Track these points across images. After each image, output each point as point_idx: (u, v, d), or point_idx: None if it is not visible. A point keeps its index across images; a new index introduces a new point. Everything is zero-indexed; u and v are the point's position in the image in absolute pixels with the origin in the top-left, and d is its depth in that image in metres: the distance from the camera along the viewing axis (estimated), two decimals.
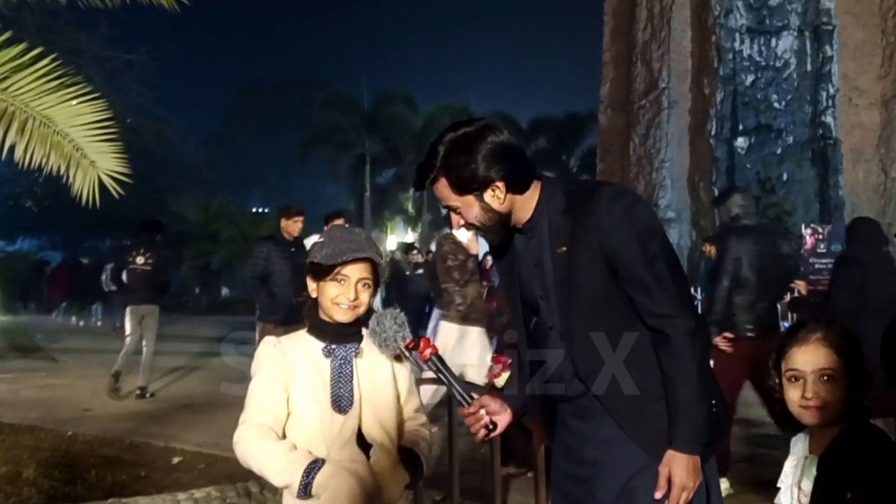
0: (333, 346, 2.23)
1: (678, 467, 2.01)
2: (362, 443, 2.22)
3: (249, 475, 5.41)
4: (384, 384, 2.27)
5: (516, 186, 2.11)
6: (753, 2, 17.52)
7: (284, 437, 2.20)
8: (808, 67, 17.46)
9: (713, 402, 2.08)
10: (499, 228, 2.17)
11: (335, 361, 2.22)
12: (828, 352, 1.95)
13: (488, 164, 2.07)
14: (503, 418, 2.25)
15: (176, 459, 6.09)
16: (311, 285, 2.26)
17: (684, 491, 2.01)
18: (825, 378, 1.94)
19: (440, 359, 2.17)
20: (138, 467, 5.81)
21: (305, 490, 2.09)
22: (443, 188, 2.12)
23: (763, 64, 17.59)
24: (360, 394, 2.22)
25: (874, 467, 1.79)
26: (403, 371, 2.35)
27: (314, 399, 2.19)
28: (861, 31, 17.24)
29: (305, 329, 2.30)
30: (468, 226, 2.17)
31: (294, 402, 2.20)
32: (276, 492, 5.16)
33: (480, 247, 6.30)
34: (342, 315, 2.23)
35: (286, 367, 2.21)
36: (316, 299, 2.27)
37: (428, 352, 2.15)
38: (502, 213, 2.13)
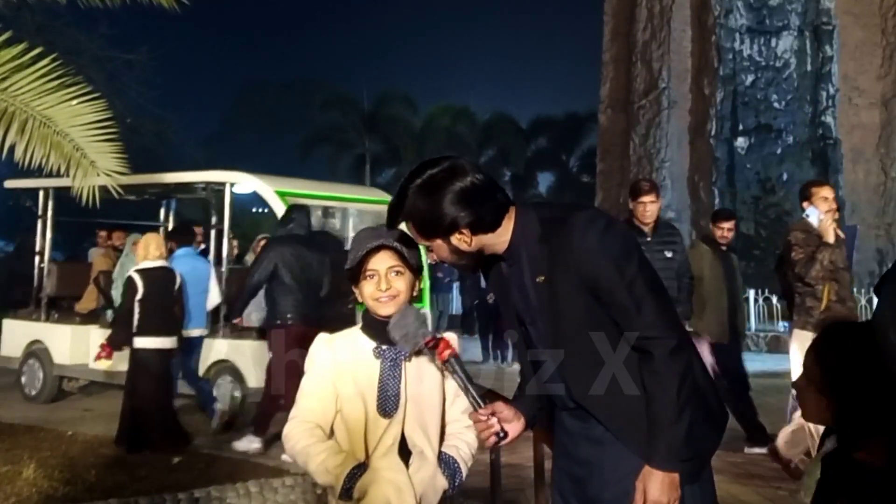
0: (384, 348, 2.27)
1: (653, 484, 2.03)
2: (403, 448, 2.25)
3: (249, 475, 5.44)
4: (431, 388, 2.30)
5: (483, 229, 2.12)
6: (753, 2, 17.52)
7: (332, 433, 2.28)
8: (808, 67, 17.46)
9: (695, 418, 2.07)
10: (472, 262, 2.22)
11: (385, 363, 2.27)
12: (808, 354, 1.96)
13: (452, 211, 2.07)
14: (515, 426, 2.25)
15: (176, 459, 6.09)
16: (356, 291, 2.34)
17: None
18: (804, 379, 1.95)
19: (459, 361, 2.19)
20: (138, 467, 5.82)
21: (348, 493, 2.17)
22: (411, 229, 2.17)
23: (763, 64, 17.59)
24: (405, 398, 2.25)
25: (865, 481, 1.76)
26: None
27: (361, 401, 2.24)
28: (861, 31, 17.25)
29: (360, 328, 2.36)
30: (443, 260, 2.22)
31: (342, 402, 2.26)
32: (276, 492, 5.17)
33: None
34: (384, 308, 2.27)
35: (336, 367, 2.27)
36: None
37: (447, 353, 2.16)
38: (472, 253, 2.16)
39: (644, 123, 18.35)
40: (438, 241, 2.13)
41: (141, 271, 6.54)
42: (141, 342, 6.46)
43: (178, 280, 6.81)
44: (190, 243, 7.73)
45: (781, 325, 14.73)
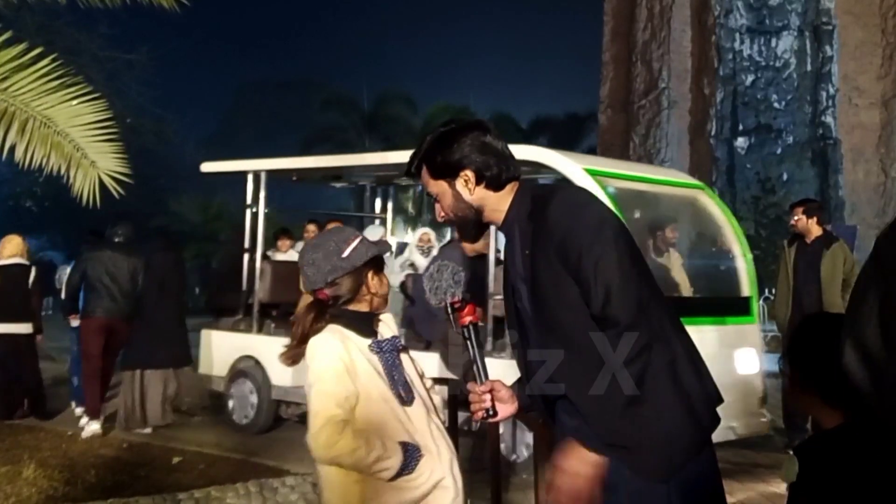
0: (379, 340, 2.32)
1: (569, 453, 2.06)
2: None
3: (250, 475, 5.44)
4: (416, 371, 2.38)
5: (487, 181, 2.19)
6: (753, 2, 17.52)
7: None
8: (808, 67, 17.46)
9: (662, 414, 2.05)
10: (471, 223, 2.25)
11: (383, 355, 2.30)
12: (787, 354, 1.93)
13: (462, 154, 2.18)
14: (507, 408, 2.28)
15: (176, 459, 6.09)
16: (377, 281, 2.36)
17: (562, 475, 2.05)
18: (788, 380, 1.93)
19: (476, 330, 2.23)
20: (138, 467, 5.82)
21: (407, 469, 2.19)
22: (424, 174, 2.25)
23: (763, 64, 17.59)
24: (413, 385, 2.31)
25: (829, 477, 1.72)
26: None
27: (376, 396, 2.25)
28: (861, 31, 17.25)
29: (342, 326, 2.31)
30: (445, 219, 2.25)
31: (360, 396, 2.24)
32: (276, 492, 5.18)
33: None
34: (386, 297, 2.38)
35: (350, 362, 2.25)
36: (347, 300, 2.33)
37: (468, 319, 2.19)
38: (473, 206, 2.21)
39: (644, 123, 18.35)
40: (445, 186, 2.21)
41: None
42: None
43: (33, 274, 7.81)
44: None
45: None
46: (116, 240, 7.51)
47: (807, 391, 1.86)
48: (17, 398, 7.62)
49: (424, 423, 2.28)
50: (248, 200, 7.95)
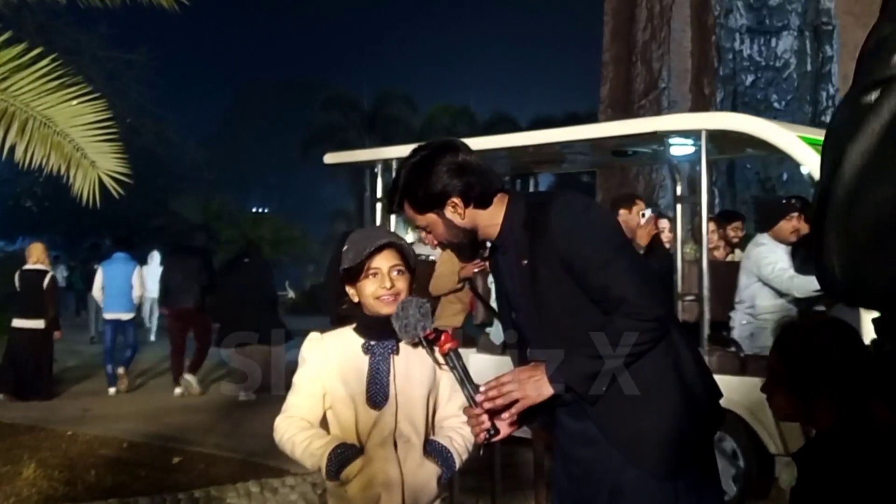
0: (373, 343, 2.30)
1: (525, 372, 2.10)
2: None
3: (250, 475, 5.45)
4: (419, 382, 2.32)
5: (475, 201, 2.18)
6: (753, 2, 17.54)
7: (328, 431, 2.33)
8: (808, 67, 17.47)
9: (647, 407, 2.07)
10: (468, 245, 2.26)
11: (374, 358, 2.30)
12: (772, 354, 1.91)
13: (443, 182, 2.16)
14: (507, 424, 2.25)
15: (176, 459, 6.09)
16: (351, 291, 2.33)
17: (505, 386, 2.08)
18: (771, 380, 1.91)
19: (458, 356, 2.20)
20: (138, 467, 5.82)
21: (336, 474, 2.21)
22: (408, 210, 2.23)
23: (763, 64, 17.61)
24: (395, 390, 2.28)
25: (825, 479, 1.73)
26: (447, 371, 2.39)
27: (349, 395, 2.28)
28: (861, 31, 17.21)
29: (352, 327, 2.37)
30: (440, 245, 2.25)
31: (332, 398, 2.30)
32: (276, 492, 5.19)
33: None
34: (386, 307, 2.25)
35: (325, 364, 2.30)
36: (358, 303, 2.34)
37: (447, 347, 2.16)
38: (466, 229, 2.21)
39: None
40: (434, 217, 2.20)
41: (19, 272, 9.04)
42: (17, 322, 8.88)
43: (48, 279, 8.90)
44: (126, 249, 9.87)
45: None
46: (191, 244, 9.88)
47: (800, 393, 1.85)
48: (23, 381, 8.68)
49: (388, 429, 2.27)
50: (378, 193, 7.04)
